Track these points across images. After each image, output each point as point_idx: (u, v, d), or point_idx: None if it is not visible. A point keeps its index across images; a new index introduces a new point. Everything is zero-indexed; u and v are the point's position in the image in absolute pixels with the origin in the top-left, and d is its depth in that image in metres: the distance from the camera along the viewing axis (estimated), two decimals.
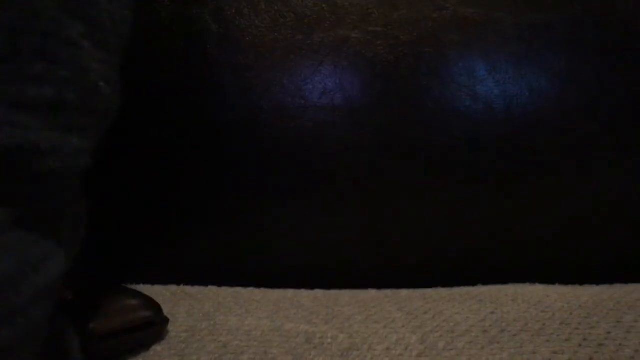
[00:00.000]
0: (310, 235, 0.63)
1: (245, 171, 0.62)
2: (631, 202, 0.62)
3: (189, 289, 0.58)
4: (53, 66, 0.25)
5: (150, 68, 0.62)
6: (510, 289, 0.57)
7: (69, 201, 0.27)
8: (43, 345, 0.24)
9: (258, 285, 0.61)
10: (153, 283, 0.61)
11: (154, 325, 0.46)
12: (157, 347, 0.45)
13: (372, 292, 0.58)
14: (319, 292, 0.58)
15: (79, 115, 0.28)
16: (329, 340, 0.46)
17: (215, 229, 0.63)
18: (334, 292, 0.58)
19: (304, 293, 0.58)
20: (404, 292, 0.57)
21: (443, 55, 0.61)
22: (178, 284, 0.60)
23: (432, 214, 0.61)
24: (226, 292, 0.57)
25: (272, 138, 0.62)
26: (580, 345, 0.44)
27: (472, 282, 0.61)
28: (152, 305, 0.47)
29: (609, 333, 0.46)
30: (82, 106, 0.28)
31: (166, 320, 0.48)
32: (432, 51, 0.61)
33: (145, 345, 0.45)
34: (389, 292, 0.58)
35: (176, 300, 0.54)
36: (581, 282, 0.61)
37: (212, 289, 0.58)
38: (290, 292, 0.58)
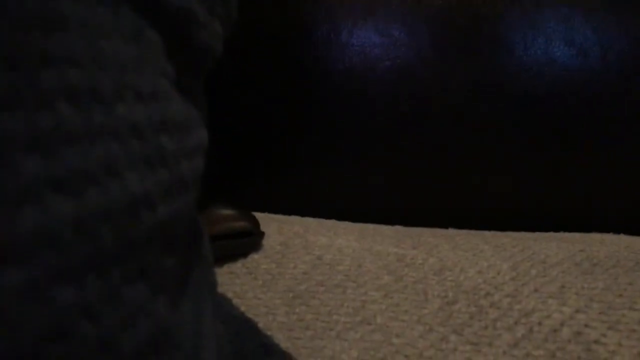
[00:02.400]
0: (400, 177, 0.63)
1: (330, 112, 0.63)
2: None
3: (274, 215, 0.60)
4: None
5: (240, 10, 0.63)
6: (596, 235, 0.57)
7: (202, 86, 0.28)
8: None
9: None
10: None
11: (252, 236, 0.48)
12: (255, 256, 0.47)
13: (454, 230, 0.58)
14: (399, 228, 0.59)
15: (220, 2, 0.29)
16: (420, 262, 0.47)
17: (299, 168, 0.65)
18: (415, 229, 0.59)
19: (384, 227, 0.59)
20: (489, 232, 0.57)
21: None
22: None
23: (521, 159, 0.61)
24: (310, 220, 0.59)
25: (358, 76, 0.62)
26: None
27: None
28: (250, 217, 0.49)
29: None
30: None
31: (262, 233, 0.49)
32: None
33: (243, 254, 0.47)
34: (472, 231, 0.58)
35: (265, 222, 0.56)
36: None
37: (296, 217, 0.60)
38: (371, 226, 0.59)
